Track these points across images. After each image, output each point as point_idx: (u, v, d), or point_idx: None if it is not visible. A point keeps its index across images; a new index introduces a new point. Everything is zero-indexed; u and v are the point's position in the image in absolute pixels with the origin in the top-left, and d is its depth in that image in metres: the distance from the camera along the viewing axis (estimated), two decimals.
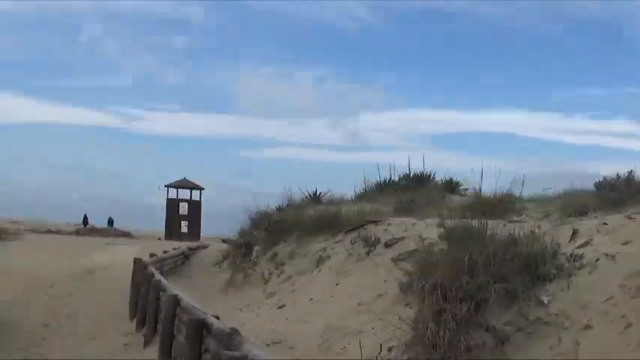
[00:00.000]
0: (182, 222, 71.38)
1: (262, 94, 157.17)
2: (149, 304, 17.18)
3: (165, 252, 28.06)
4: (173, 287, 15.64)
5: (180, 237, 67.72)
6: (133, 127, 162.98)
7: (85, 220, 75.45)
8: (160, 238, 69.39)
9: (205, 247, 34.11)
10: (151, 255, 24.79)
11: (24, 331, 19.83)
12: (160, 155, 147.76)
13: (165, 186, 72.54)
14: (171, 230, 70.66)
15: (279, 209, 28.58)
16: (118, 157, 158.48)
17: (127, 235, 69.00)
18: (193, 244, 34.42)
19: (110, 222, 75.42)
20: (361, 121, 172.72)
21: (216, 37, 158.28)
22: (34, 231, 65.48)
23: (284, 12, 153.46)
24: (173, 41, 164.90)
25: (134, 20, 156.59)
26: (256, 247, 25.05)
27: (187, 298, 13.39)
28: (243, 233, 28.09)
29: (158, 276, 17.76)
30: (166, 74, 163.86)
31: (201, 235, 71.83)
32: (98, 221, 76.43)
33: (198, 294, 21.19)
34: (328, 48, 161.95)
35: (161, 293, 15.99)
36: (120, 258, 39.30)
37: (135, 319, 20.36)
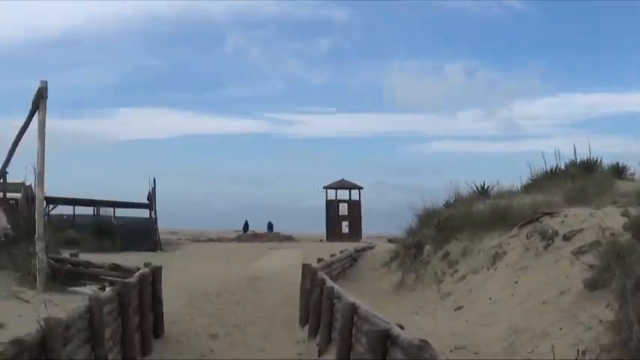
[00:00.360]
0: (343, 223, 71.74)
1: (412, 90, 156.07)
2: (323, 312, 17.15)
3: (332, 255, 28.07)
4: (349, 294, 15.49)
5: (342, 238, 68.00)
6: (287, 131, 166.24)
7: (246, 226, 77.13)
8: (321, 240, 69.94)
9: (372, 247, 33.94)
10: (319, 260, 24.84)
11: (191, 344, 20.22)
12: (315, 158, 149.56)
13: (323, 188, 73.10)
14: (332, 232, 71.09)
15: (447, 205, 28.09)
16: (273, 162, 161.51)
17: (288, 238, 70.01)
18: (359, 245, 34.38)
19: (270, 226, 76.71)
20: (515, 110, 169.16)
21: (361, 36, 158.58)
22: (195, 240, 67.47)
23: (427, 4, 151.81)
24: (318, 44, 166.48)
25: (276, 26, 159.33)
26: (427, 246, 24.65)
27: (365, 306, 13.17)
28: (411, 232, 27.78)
29: (330, 282, 17.68)
30: (314, 77, 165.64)
31: (362, 235, 72.08)
32: (258, 227, 78.06)
33: (369, 297, 21.03)
34: (476, 37, 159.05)
35: (335, 300, 15.91)
36: (284, 263, 39.84)
37: (306, 327, 20.43)
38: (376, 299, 22.34)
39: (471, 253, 23.08)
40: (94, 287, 20.40)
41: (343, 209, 72.22)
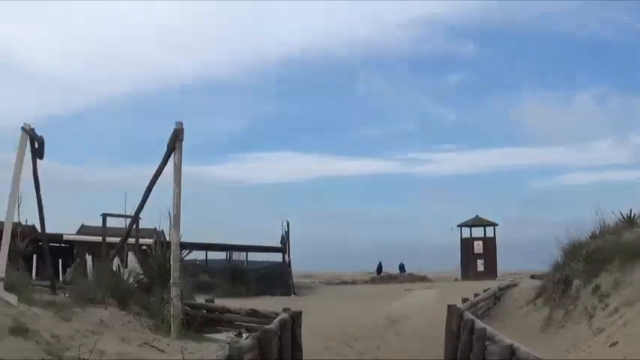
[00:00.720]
0: (478, 261, 69.63)
1: (542, 121, 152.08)
2: (473, 355, 15.68)
3: (476, 295, 26.43)
4: (504, 336, 14.02)
5: (477, 276, 66.17)
6: (418, 170, 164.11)
7: (380, 268, 75.88)
8: (455, 280, 68.12)
9: (515, 285, 32.01)
10: (464, 300, 23.26)
11: None
12: (447, 196, 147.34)
13: (457, 226, 71.28)
14: (467, 270, 69.14)
15: (593, 236, 26.17)
16: (405, 202, 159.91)
17: (422, 279, 68.34)
18: (503, 283, 32.51)
19: (402, 268, 75.33)
20: None
21: (489, 70, 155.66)
22: (328, 283, 66.58)
23: (550, 33, 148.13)
24: (446, 80, 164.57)
25: (405, 64, 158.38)
26: (575, 280, 22.84)
27: (524, 348, 11.77)
28: (557, 266, 25.94)
29: (480, 324, 16.18)
30: (444, 113, 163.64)
31: (497, 272, 69.96)
32: (390, 268, 76.73)
33: (517, 336, 19.41)
34: (602, 64, 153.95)
35: (487, 342, 14.45)
36: (422, 304, 38.29)
37: None
38: (524, 338, 20.52)
39: (623, 285, 21.16)
40: (231, 334, 19.47)
41: (478, 247, 70.10)
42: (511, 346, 12.08)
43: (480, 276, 65.69)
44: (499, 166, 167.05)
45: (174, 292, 18.85)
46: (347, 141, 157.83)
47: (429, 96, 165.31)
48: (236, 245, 55.75)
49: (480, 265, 69.31)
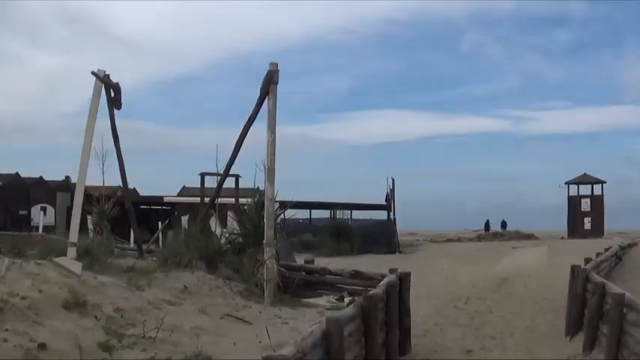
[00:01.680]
0: (585, 219, 66.41)
1: None
2: (610, 324, 13.36)
3: (598, 254, 23.70)
4: None
5: (583, 235, 63.31)
6: (524, 128, 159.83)
7: (487, 226, 73.12)
8: (562, 238, 65.29)
9: (635, 244, 29.21)
10: (587, 260, 20.63)
11: None
12: (554, 154, 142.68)
13: (565, 183, 68.12)
14: (574, 228, 66.04)
15: None
16: (510, 160, 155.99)
17: (529, 237, 65.38)
18: (623, 241, 29.69)
19: (503, 224, 72.53)
20: None
21: (599, 27, 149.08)
22: (433, 241, 64.29)
23: None
24: (555, 38, 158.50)
25: (513, 22, 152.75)
26: None
27: None
28: None
29: (616, 288, 13.77)
30: (552, 72, 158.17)
31: (604, 230, 66.68)
32: (495, 225, 74.07)
33: None
34: None
35: (626, 310, 12.08)
36: (532, 262, 35.74)
37: (576, 339, 16.65)
38: None
39: None
40: (332, 298, 17.50)
41: (585, 205, 66.82)
42: None
43: (586, 234, 63.08)
44: (605, 125, 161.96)
45: (267, 253, 16.96)
46: (453, 99, 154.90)
47: (535, 53, 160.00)
48: (340, 203, 53.79)
49: (587, 224, 66.39)
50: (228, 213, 24.91)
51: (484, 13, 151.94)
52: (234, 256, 18.90)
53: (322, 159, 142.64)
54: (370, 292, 12.75)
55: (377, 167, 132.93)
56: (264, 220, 17.43)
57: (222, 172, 33.80)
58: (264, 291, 16.63)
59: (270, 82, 17.18)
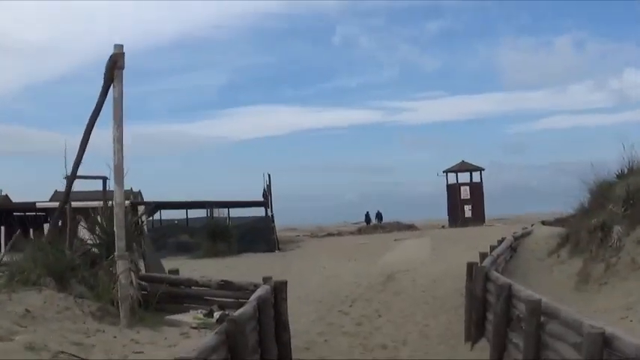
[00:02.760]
0: (465, 207, 65.56)
1: (523, 67, 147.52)
2: (514, 330, 11.25)
3: (493, 247, 21.50)
4: (570, 311, 9.50)
5: (465, 222, 62.53)
6: (400, 119, 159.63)
7: (368, 218, 71.19)
8: (443, 227, 64.42)
9: (528, 233, 27.42)
10: (482, 255, 18.44)
11: None
12: (430, 143, 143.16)
13: (443, 172, 67.10)
14: (455, 216, 65.13)
15: (621, 176, 21.60)
16: (388, 151, 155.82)
17: (410, 227, 64.02)
18: (516, 231, 27.70)
19: (379, 216, 70.75)
20: (625, 80, 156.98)
21: (469, 16, 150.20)
22: (313, 236, 62.16)
23: None
24: (427, 28, 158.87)
25: (385, 13, 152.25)
26: (616, 227, 18.19)
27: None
28: (585, 211, 21.30)
29: (525, 291, 11.60)
30: (425, 62, 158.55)
31: (485, 217, 66.06)
32: (374, 217, 72.38)
33: (548, 296, 15.00)
34: (582, 9, 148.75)
35: (543, 319, 9.96)
36: (415, 255, 33.99)
37: (477, 346, 14.63)
38: (557, 299, 16.14)
39: None
40: (200, 313, 14.87)
41: (465, 193, 66.00)
42: (603, 332, 7.60)
43: (467, 222, 62.26)
44: (480, 113, 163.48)
45: (120, 267, 14.14)
46: (326, 92, 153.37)
47: (408, 44, 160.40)
48: (216, 202, 50.97)
49: (468, 211, 65.68)
50: (80, 220, 21.90)
51: (356, 5, 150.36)
52: (89, 269, 15.97)
53: (200, 157, 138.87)
54: (237, 314, 10.26)
55: (255, 163, 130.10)
56: (114, 227, 14.58)
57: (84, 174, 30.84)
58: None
59: (114, 67, 14.28)
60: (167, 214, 57.02)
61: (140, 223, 28.70)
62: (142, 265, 19.84)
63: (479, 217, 64.92)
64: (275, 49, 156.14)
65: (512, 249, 22.85)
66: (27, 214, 49.44)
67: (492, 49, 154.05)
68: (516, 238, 24.23)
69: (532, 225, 30.56)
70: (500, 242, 22.17)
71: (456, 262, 29.37)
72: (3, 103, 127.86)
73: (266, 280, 14.48)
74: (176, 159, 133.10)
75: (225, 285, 15.41)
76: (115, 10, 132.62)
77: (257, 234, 48.07)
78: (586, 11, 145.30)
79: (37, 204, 49.31)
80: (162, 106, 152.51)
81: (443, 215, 68.98)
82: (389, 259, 33.47)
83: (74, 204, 41.24)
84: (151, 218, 56.20)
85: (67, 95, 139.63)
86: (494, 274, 14.57)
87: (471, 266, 15.69)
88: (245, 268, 33.30)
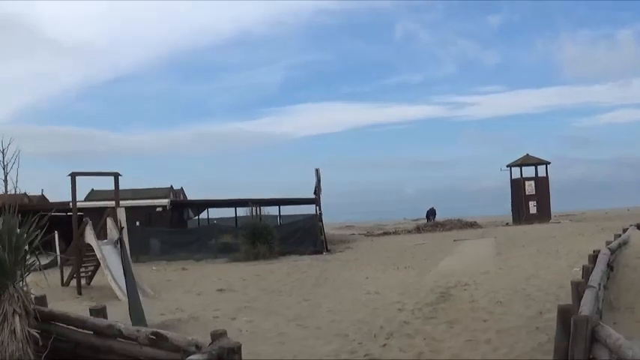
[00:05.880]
0: (530, 202, 57.92)
1: (584, 60, 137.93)
2: None
3: (586, 268, 14.08)
4: None
5: (529, 219, 55.13)
6: (462, 114, 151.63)
7: (428, 214, 63.62)
8: (507, 224, 57.04)
9: (624, 242, 19.88)
10: (576, 287, 11.24)
11: None
12: (492, 138, 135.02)
13: (507, 166, 59.37)
14: (519, 213, 57.58)
15: None
16: (449, 146, 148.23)
17: (472, 225, 56.58)
18: (614, 242, 19.71)
19: (432, 213, 63.27)
20: None
21: (529, 10, 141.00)
22: (368, 234, 55.22)
23: None
24: (487, 22, 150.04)
25: (444, 8, 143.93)
26: None
27: None
28: None
29: None
30: (485, 56, 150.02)
31: (551, 214, 58.39)
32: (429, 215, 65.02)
33: None
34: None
35: None
36: (477, 262, 26.94)
37: None
38: None
39: None
40: None
41: (530, 188, 58.23)
42: None
43: (532, 219, 54.82)
44: (542, 107, 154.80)
45: None
46: (386, 88, 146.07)
47: (467, 38, 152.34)
48: (260, 199, 44.55)
49: (533, 207, 58.03)
50: None
51: (412, 1, 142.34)
52: None
53: (259, 154, 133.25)
54: None
55: (315, 160, 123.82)
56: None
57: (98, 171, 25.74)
58: None
59: None
60: (216, 213, 51.16)
61: (120, 230, 22.70)
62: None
63: (544, 213, 57.34)
64: (332, 46, 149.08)
65: (610, 267, 15.34)
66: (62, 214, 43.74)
67: (552, 42, 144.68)
68: (612, 251, 16.55)
69: (624, 230, 23.01)
70: (593, 258, 14.67)
71: (524, 272, 22.41)
72: (60, 104, 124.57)
73: (215, 337, 7.82)
74: (234, 156, 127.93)
75: (157, 340, 8.76)
76: (173, 8, 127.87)
77: (304, 234, 41.46)
78: None
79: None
80: (221, 104, 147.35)
81: (506, 211, 61.46)
82: (446, 266, 26.44)
83: (86, 204, 35.49)
84: (196, 217, 50.68)
85: (123, 94, 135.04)
86: (608, 332, 7.51)
87: (566, 313, 8.51)
88: (275, 277, 26.81)
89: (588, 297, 9.22)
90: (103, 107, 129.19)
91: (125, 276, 18.32)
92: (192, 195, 54.08)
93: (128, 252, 21.25)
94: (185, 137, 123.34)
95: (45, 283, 11.70)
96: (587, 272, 11.63)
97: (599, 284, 10.51)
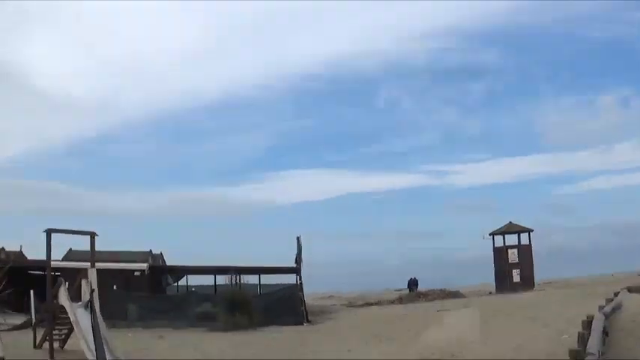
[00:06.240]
0: (513, 270, 56.89)
1: (566, 127, 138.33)
2: None
3: (581, 335, 12.95)
4: None
5: (513, 288, 53.91)
6: (444, 182, 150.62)
7: (410, 285, 62.25)
8: (490, 293, 55.91)
9: (619, 307, 18.71)
10: (581, 337, 10.01)
11: None
12: (475, 207, 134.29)
13: (489, 234, 58.51)
14: (503, 282, 56.57)
15: None
16: (432, 215, 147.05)
17: (455, 294, 55.40)
18: (607, 307, 18.42)
19: (413, 283, 61.91)
20: None
21: (512, 76, 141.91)
22: (350, 305, 53.92)
23: (574, 37, 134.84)
24: (470, 89, 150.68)
25: (428, 75, 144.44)
26: None
27: None
28: None
29: None
30: (468, 123, 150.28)
31: (534, 282, 57.45)
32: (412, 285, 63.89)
33: None
34: (625, 65, 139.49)
35: None
36: (462, 333, 25.88)
37: None
38: None
39: None
40: None
41: (513, 256, 57.24)
42: None
43: (515, 288, 53.80)
44: (525, 175, 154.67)
45: None
46: (370, 156, 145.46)
47: (452, 106, 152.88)
48: (239, 267, 43.43)
49: (516, 276, 56.92)
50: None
51: (398, 67, 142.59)
52: None
53: (239, 221, 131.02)
54: None
55: (296, 228, 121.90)
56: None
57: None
58: None
59: None
60: (195, 280, 49.89)
61: (90, 292, 21.76)
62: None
63: (528, 282, 56.23)
64: (317, 112, 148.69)
65: (605, 333, 14.18)
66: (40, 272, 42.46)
67: (534, 109, 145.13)
68: (606, 316, 15.36)
69: (615, 294, 21.96)
70: (587, 324, 13.62)
71: (512, 342, 21.49)
72: (47, 160, 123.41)
73: None
74: (215, 223, 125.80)
75: None
76: (158, 69, 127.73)
77: (284, 304, 40.22)
78: (627, 69, 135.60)
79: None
80: (204, 169, 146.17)
81: (489, 280, 60.40)
82: (430, 338, 25.35)
83: (62, 264, 34.35)
84: (175, 284, 49.42)
85: (108, 153, 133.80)
86: None
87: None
88: (254, 350, 25.73)
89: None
90: (87, 165, 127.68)
91: (94, 341, 17.35)
92: (171, 260, 52.71)
93: (98, 315, 20.26)
94: (166, 201, 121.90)
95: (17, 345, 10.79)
96: (582, 339, 10.73)
97: (599, 351, 9.58)
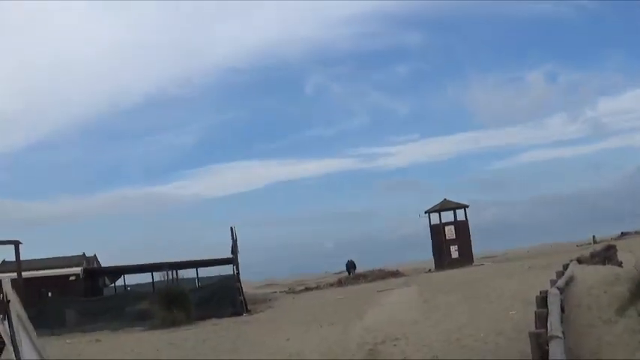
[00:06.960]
0: (451, 247, 56.60)
1: (495, 104, 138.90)
2: None
3: (542, 296, 11.74)
4: None
5: (452, 264, 53.64)
6: (375, 165, 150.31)
7: (348, 267, 61.08)
8: (429, 270, 55.55)
9: (572, 279, 17.50)
10: (536, 334, 9.05)
11: None
12: (409, 186, 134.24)
13: (425, 212, 58.07)
14: (441, 258, 56.26)
15: None
16: (367, 197, 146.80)
17: (394, 274, 54.68)
18: (560, 281, 17.18)
19: (351, 265, 60.71)
20: (600, 109, 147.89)
21: (438, 57, 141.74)
22: (290, 291, 52.76)
23: (498, 13, 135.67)
24: (397, 71, 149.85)
25: (353, 59, 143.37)
26: None
27: None
28: None
29: None
30: (397, 105, 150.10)
31: (474, 256, 57.25)
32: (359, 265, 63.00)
33: None
34: (552, 41, 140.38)
35: None
36: (404, 313, 25.05)
37: None
38: None
39: None
40: None
41: (450, 232, 56.98)
42: None
43: (454, 263, 53.48)
44: (456, 152, 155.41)
45: None
46: (301, 143, 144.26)
47: (379, 89, 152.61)
48: (175, 263, 41.90)
49: (454, 252, 56.76)
50: None
51: (324, 53, 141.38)
52: None
53: (174, 217, 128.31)
54: None
55: (232, 220, 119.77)
56: None
57: None
58: None
59: None
60: (133, 279, 48.27)
61: (6, 303, 19.98)
62: None
63: (467, 257, 56.09)
64: (243, 104, 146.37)
65: (561, 308, 13.04)
66: None
67: (462, 87, 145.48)
68: (561, 290, 14.14)
69: (565, 266, 21.08)
70: (541, 300, 12.55)
71: (456, 321, 20.56)
72: None
73: None
74: (149, 221, 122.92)
75: None
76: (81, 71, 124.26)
77: (222, 296, 38.84)
78: (552, 43, 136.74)
79: None
80: (135, 169, 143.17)
81: (428, 257, 59.98)
82: (371, 319, 24.38)
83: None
84: (113, 285, 47.80)
85: (36, 162, 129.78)
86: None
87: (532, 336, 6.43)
88: (190, 345, 24.44)
89: (557, 350, 7.29)
90: (16, 175, 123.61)
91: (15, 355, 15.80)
92: (107, 262, 50.89)
93: (15, 328, 18.67)
94: (98, 204, 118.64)
95: None
96: (541, 318, 9.74)
97: (563, 332, 8.54)
